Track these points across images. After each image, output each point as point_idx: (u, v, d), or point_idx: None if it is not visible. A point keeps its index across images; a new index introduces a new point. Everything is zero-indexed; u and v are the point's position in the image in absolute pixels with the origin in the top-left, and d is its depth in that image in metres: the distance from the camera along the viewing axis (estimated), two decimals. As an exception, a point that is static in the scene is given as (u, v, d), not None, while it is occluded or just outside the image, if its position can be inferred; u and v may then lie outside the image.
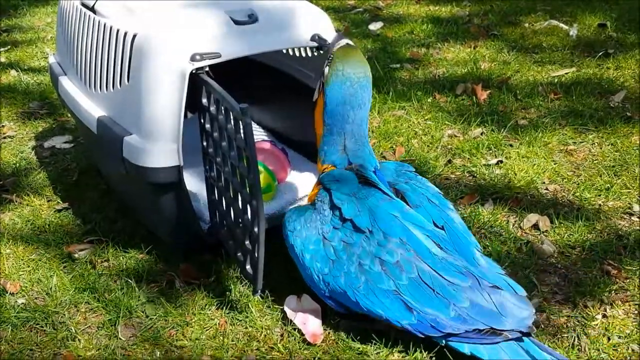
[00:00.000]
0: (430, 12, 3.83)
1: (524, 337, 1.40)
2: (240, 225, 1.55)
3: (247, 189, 1.48)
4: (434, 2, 4.00)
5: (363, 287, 1.45)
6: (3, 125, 2.68)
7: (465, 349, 1.40)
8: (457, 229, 1.52)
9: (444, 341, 1.42)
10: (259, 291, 1.55)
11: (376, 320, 1.47)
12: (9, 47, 3.66)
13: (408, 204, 1.53)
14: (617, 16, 3.44)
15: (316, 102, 1.60)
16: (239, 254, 1.59)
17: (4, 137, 2.58)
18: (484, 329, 1.38)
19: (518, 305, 1.40)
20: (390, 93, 2.71)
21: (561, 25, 3.39)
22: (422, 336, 1.43)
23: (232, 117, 1.46)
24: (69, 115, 2.57)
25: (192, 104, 1.61)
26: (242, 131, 1.42)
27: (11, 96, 2.95)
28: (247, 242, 1.53)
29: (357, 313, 1.50)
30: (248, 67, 2.02)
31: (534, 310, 1.41)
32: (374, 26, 3.66)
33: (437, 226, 1.51)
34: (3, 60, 3.47)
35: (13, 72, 3.25)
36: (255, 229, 1.47)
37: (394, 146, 2.34)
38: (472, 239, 1.54)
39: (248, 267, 1.56)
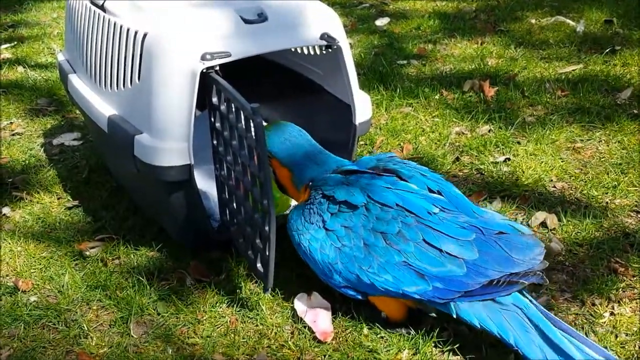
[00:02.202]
0: (437, 8, 3.83)
1: (529, 306, 1.38)
2: (251, 223, 1.56)
3: (258, 187, 1.49)
4: (440, -2, 4.00)
5: (373, 267, 1.44)
6: (11, 122, 2.69)
7: (475, 321, 1.40)
8: (453, 191, 1.53)
9: (454, 311, 1.41)
10: (270, 289, 1.56)
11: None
12: (15, 43, 3.67)
13: (401, 178, 1.53)
14: (623, 12, 3.44)
15: (276, 174, 1.67)
16: (249, 252, 1.60)
17: (13, 134, 2.59)
18: (499, 280, 1.36)
19: (526, 244, 1.39)
20: (398, 90, 2.72)
21: (568, 21, 3.39)
22: (442, 301, 1.40)
23: (242, 116, 1.47)
24: (78, 112, 2.58)
25: (200, 102, 1.62)
26: (253, 130, 1.43)
27: (18, 92, 2.97)
28: (257, 241, 1.54)
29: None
30: (256, 65, 2.02)
31: (544, 246, 1.40)
32: (381, 22, 3.66)
33: (432, 192, 1.52)
34: (9, 56, 3.48)
35: (20, 69, 3.26)
36: (266, 228, 1.48)
37: (402, 143, 2.34)
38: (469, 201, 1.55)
39: (259, 265, 1.57)
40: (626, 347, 1.47)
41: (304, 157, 1.64)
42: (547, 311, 1.41)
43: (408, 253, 1.41)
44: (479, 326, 1.40)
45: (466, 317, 1.41)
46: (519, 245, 1.40)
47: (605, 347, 1.47)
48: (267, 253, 1.50)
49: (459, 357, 1.45)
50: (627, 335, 1.50)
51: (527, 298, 1.41)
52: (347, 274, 1.48)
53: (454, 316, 1.43)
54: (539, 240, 1.42)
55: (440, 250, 1.40)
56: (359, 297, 1.52)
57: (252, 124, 1.42)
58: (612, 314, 1.57)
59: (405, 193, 1.47)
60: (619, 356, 1.45)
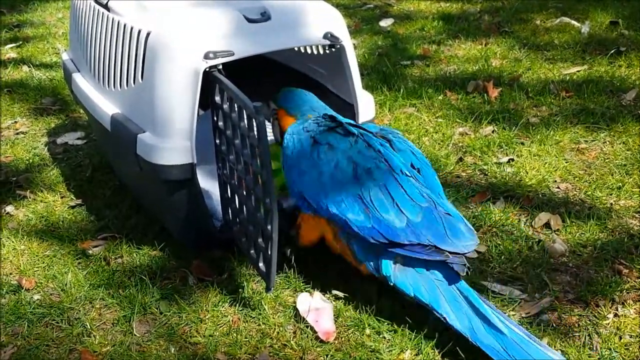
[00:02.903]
0: (441, 9, 3.83)
1: (462, 283, 1.47)
2: (254, 222, 1.56)
3: (260, 186, 1.48)
4: (445, -1, 4.00)
5: (335, 188, 1.54)
6: (16, 121, 2.70)
7: (410, 290, 1.49)
8: (431, 176, 1.61)
9: (392, 279, 1.50)
10: (272, 288, 1.56)
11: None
12: (21, 42, 3.68)
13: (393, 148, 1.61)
14: (629, 14, 3.43)
15: (281, 127, 1.76)
16: (252, 251, 1.60)
17: (17, 133, 2.60)
18: (427, 245, 1.46)
19: (465, 232, 1.49)
20: (401, 90, 2.72)
21: (573, 22, 3.39)
22: (373, 241, 1.50)
23: (245, 115, 1.47)
24: (82, 111, 2.59)
25: (202, 101, 1.62)
26: (255, 129, 1.42)
27: (23, 92, 2.97)
28: (260, 240, 1.54)
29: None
30: (259, 64, 2.02)
31: (478, 242, 1.49)
32: (385, 23, 3.66)
33: (414, 167, 1.60)
34: (15, 55, 3.49)
35: (25, 68, 3.27)
36: (269, 227, 1.48)
37: (405, 144, 2.34)
38: (441, 190, 1.62)
39: (261, 264, 1.57)
40: (630, 348, 1.47)
41: (309, 107, 1.74)
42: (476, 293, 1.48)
43: (367, 189, 1.51)
44: (412, 295, 1.48)
45: (401, 286, 1.50)
46: (458, 230, 1.49)
47: (610, 349, 1.46)
48: (270, 252, 1.50)
49: (460, 358, 1.45)
50: (631, 337, 1.50)
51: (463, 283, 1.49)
52: (312, 183, 1.56)
53: (390, 284, 1.51)
54: (476, 237, 1.50)
55: (393, 200, 1.49)
56: (299, 205, 1.60)
57: (254, 123, 1.42)
58: (616, 315, 1.56)
59: (391, 151, 1.58)
60: (623, 358, 1.45)
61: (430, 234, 1.47)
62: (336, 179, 1.54)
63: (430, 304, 1.46)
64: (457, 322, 1.42)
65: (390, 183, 1.52)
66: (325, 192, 1.54)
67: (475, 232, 1.51)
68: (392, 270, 1.51)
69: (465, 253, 1.47)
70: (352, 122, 1.67)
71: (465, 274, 1.45)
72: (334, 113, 1.72)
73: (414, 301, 1.49)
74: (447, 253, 1.46)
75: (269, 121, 1.86)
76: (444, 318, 1.44)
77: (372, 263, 1.54)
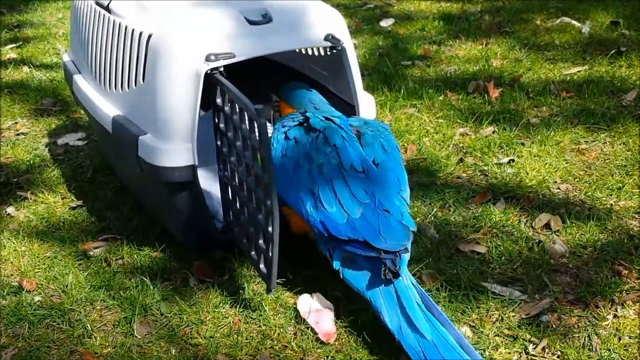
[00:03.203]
0: (441, 9, 3.83)
1: (401, 281, 1.49)
2: (255, 224, 1.56)
3: (262, 188, 1.49)
4: (445, -1, 4.00)
5: (293, 182, 1.60)
6: (16, 122, 2.70)
7: (354, 283, 1.53)
8: (395, 170, 1.65)
9: (341, 272, 1.55)
10: (273, 290, 1.57)
11: None
12: (21, 43, 3.68)
13: (360, 141, 1.66)
14: (629, 14, 3.43)
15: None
16: (252, 253, 1.60)
17: (18, 134, 2.60)
18: (362, 241, 1.51)
19: (399, 231, 1.52)
20: (402, 91, 2.72)
21: (573, 22, 3.39)
22: (319, 233, 1.57)
23: (246, 117, 1.47)
24: (82, 112, 2.59)
25: (203, 102, 1.62)
26: (257, 131, 1.43)
27: (24, 92, 2.98)
28: (261, 241, 1.55)
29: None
30: (259, 65, 2.03)
31: (409, 243, 1.52)
32: (385, 23, 3.66)
33: (375, 163, 1.63)
34: (15, 56, 3.49)
35: (25, 69, 3.27)
36: (270, 228, 1.48)
37: (406, 144, 2.34)
38: (403, 186, 1.64)
39: (262, 266, 1.57)
40: (629, 349, 1.47)
41: (307, 101, 1.81)
42: (423, 292, 1.51)
43: (316, 184, 1.58)
44: (356, 288, 1.53)
45: (348, 278, 1.55)
46: (391, 228, 1.52)
47: (609, 350, 1.47)
48: (271, 254, 1.51)
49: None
50: (630, 337, 1.50)
51: (408, 279, 1.52)
52: (281, 177, 1.60)
53: (340, 276, 1.56)
54: (411, 235, 1.53)
55: (336, 196, 1.56)
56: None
57: (255, 125, 1.43)
58: (615, 316, 1.56)
59: (349, 146, 1.62)
60: (622, 359, 1.45)
61: (364, 231, 1.51)
62: (297, 174, 1.61)
63: (370, 299, 1.50)
64: (388, 319, 1.46)
65: (337, 179, 1.58)
66: (289, 185, 1.61)
67: (411, 232, 1.53)
68: (341, 263, 1.55)
69: (395, 251, 1.49)
70: (336, 115, 1.71)
71: (395, 271, 1.47)
72: (331, 109, 1.74)
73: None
74: (380, 250, 1.49)
75: (270, 122, 1.87)
76: (379, 314, 1.48)
77: (327, 254, 1.59)
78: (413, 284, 1.51)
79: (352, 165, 1.59)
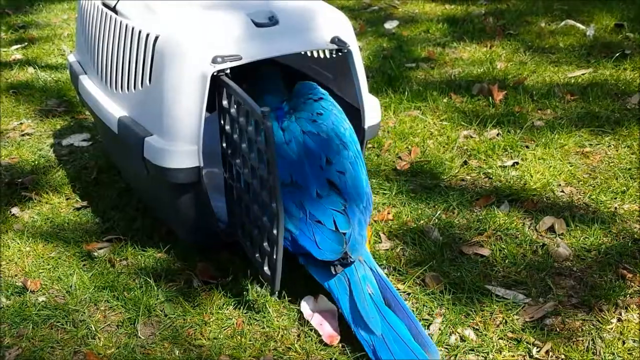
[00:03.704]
0: (445, 11, 3.83)
1: (354, 276, 1.55)
2: (259, 226, 1.57)
3: (267, 191, 1.49)
4: (450, 1, 4.00)
5: None
6: (21, 123, 2.71)
7: (318, 279, 1.59)
8: (311, 151, 1.63)
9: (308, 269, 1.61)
10: (277, 292, 1.57)
11: None
12: (26, 43, 3.69)
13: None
14: (634, 16, 3.43)
15: None
16: (256, 255, 1.61)
17: (23, 135, 2.61)
18: (307, 253, 1.57)
19: (332, 242, 1.56)
20: (406, 93, 2.72)
21: (578, 25, 3.39)
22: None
23: (252, 119, 1.47)
24: (87, 113, 2.60)
25: (207, 104, 1.63)
26: (263, 134, 1.43)
27: (29, 93, 2.98)
28: (265, 244, 1.55)
29: None
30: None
31: (345, 247, 1.54)
32: (390, 25, 3.66)
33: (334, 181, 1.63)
34: (20, 57, 3.50)
35: (30, 69, 3.28)
36: (274, 231, 1.48)
37: (410, 147, 2.35)
38: (330, 156, 1.64)
39: (266, 268, 1.57)
40: (633, 353, 1.47)
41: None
42: (380, 277, 1.57)
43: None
44: (321, 283, 1.59)
45: (313, 274, 1.60)
46: (326, 239, 1.56)
47: (613, 354, 1.47)
48: (275, 256, 1.51)
49: (465, 361, 1.45)
50: (634, 341, 1.50)
51: (366, 265, 1.58)
52: None
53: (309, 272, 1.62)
54: (343, 239, 1.55)
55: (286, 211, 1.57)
56: None
57: (262, 128, 1.43)
58: (619, 320, 1.56)
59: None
60: (626, 363, 1.45)
61: (306, 245, 1.57)
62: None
63: (331, 292, 1.56)
64: (345, 311, 1.53)
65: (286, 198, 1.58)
66: None
67: (343, 235, 1.56)
68: (304, 260, 1.61)
69: (333, 260, 1.54)
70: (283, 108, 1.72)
71: (345, 264, 1.55)
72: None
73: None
74: (323, 261, 1.55)
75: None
76: (339, 306, 1.54)
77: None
78: (373, 271, 1.57)
79: (281, 180, 1.56)
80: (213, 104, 1.62)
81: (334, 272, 1.55)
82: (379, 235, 1.88)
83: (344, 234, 1.56)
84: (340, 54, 1.73)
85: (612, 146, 2.29)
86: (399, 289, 1.67)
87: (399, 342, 1.44)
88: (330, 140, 1.65)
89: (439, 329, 1.54)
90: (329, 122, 1.68)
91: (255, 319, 1.60)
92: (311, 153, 1.64)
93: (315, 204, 1.60)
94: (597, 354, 1.47)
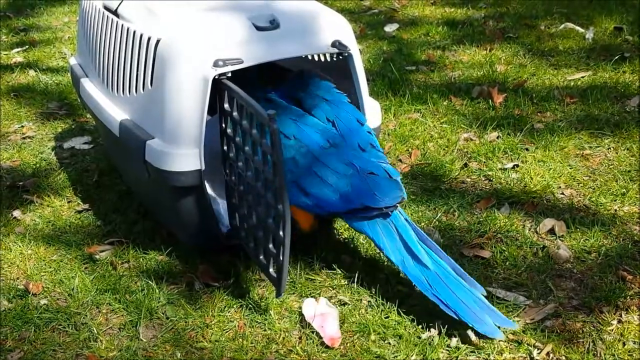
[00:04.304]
0: (445, 14, 3.84)
1: (400, 222, 1.65)
2: (264, 228, 1.57)
3: (272, 192, 1.49)
4: (450, 4, 4.01)
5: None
6: (22, 126, 2.71)
7: (359, 228, 1.68)
8: (347, 122, 1.72)
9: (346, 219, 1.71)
10: (282, 294, 1.57)
11: None
12: (27, 46, 3.70)
13: (304, 109, 1.73)
14: (633, 19, 3.44)
15: None
16: (261, 257, 1.61)
17: (24, 138, 2.61)
18: (361, 207, 1.64)
19: (389, 187, 1.65)
20: (406, 95, 2.73)
21: (577, 28, 3.39)
22: (320, 212, 1.69)
23: (257, 122, 1.48)
24: (88, 116, 2.60)
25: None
26: (269, 136, 1.43)
27: (30, 96, 2.99)
28: (270, 246, 1.55)
29: None
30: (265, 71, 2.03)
31: (404, 191, 1.67)
32: (390, 28, 3.67)
33: (329, 121, 1.71)
34: (21, 60, 3.51)
35: (31, 72, 3.28)
36: (281, 233, 1.48)
37: (410, 149, 2.35)
38: (363, 129, 1.73)
39: (271, 270, 1.58)
40: (634, 355, 1.48)
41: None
42: (415, 226, 1.66)
43: (298, 175, 1.66)
44: (361, 230, 1.68)
45: (355, 225, 1.69)
46: (383, 187, 1.65)
47: (613, 355, 1.47)
48: (282, 258, 1.51)
49: (466, 363, 1.46)
50: (634, 343, 1.51)
51: (402, 215, 1.67)
52: None
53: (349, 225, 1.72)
54: (401, 185, 1.67)
55: (321, 179, 1.66)
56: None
57: (267, 130, 1.43)
58: (620, 321, 1.57)
59: (305, 127, 1.69)
60: (626, 364, 1.46)
61: (361, 198, 1.64)
62: None
63: (373, 238, 1.65)
64: (392, 254, 1.62)
65: (314, 165, 1.66)
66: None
67: (399, 181, 1.68)
68: (351, 220, 1.69)
69: (394, 205, 1.64)
70: (273, 96, 1.76)
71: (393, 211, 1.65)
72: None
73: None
74: (380, 209, 1.64)
75: None
76: (382, 250, 1.64)
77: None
78: (408, 222, 1.66)
79: (319, 145, 1.66)
80: (214, 106, 1.62)
81: (383, 220, 1.64)
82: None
83: (397, 180, 1.67)
84: (340, 57, 1.73)
85: (612, 149, 2.29)
86: (399, 291, 1.68)
87: (449, 278, 1.55)
88: (352, 108, 1.77)
89: (440, 331, 1.54)
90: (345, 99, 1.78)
91: (257, 322, 1.61)
92: (343, 115, 1.73)
93: (363, 158, 1.68)
94: (598, 355, 1.48)
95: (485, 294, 1.57)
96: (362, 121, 1.75)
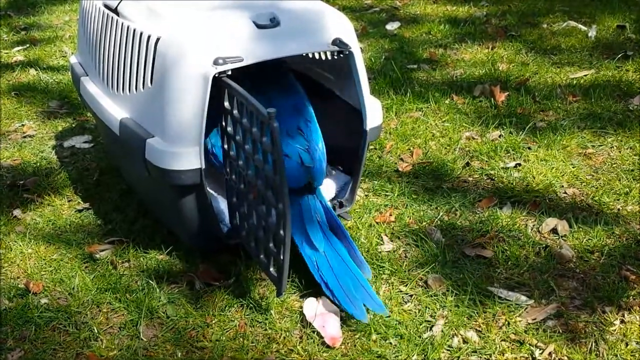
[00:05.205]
0: (447, 12, 3.83)
1: (309, 200, 1.73)
2: (264, 227, 1.56)
3: (272, 191, 1.49)
4: (452, 2, 4.00)
5: None
6: (23, 125, 2.71)
7: None
8: (280, 107, 1.71)
9: None
10: (283, 293, 1.57)
11: None
12: (28, 45, 3.69)
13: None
14: (636, 18, 3.42)
15: None
16: (261, 256, 1.60)
17: (24, 137, 2.61)
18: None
19: (298, 172, 1.71)
20: (408, 94, 2.72)
21: (580, 26, 3.38)
22: None
23: (257, 120, 1.47)
24: (89, 115, 2.60)
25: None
26: (269, 134, 1.43)
27: (30, 95, 2.98)
28: (271, 245, 1.55)
29: None
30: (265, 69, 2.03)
31: (314, 176, 1.72)
32: (391, 26, 3.66)
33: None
34: (22, 58, 3.50)
35: (32, 71, 3.28)
36: (281, 232, 1.48)
37: (412, 148, 2.34)
38: (300, 116, 1.79)
39: (272, 269, 1.57)
40: (636, 355, 1.47)
41: None
42: (329, 211, 1.74)
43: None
44: None
45: None
46: (290, 170, 1.64)
47: (616, 355, 1.46)
48: (282, 257, 1.51)
49: (468, 363, 1.45)
50: (637, 343, 1.50)
51: (317, 199, 1.74)
52: None
53: None
54: (315, 173, 1.72)
55: None
56: None
57: (267, 128, 1.43)
58: (622, 321, 1.56)
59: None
60: (629, 364, 1.45)
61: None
62: None
63: None
64: (294, 235, 1.67)
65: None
66: None
67: (310, 168, 1.73)
68: None
69: (298, 188, 1.72)
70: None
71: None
72: None
73: None
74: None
75: None
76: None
77: None
78: (322, 202, 1.73)
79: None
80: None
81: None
82: (381, 237, 1.87)
83: (308, 167, 1.72)
84: (341, 55, 1.73)
85: (615, 147, 2.28)
86: (401, 291, 1.67)
87: (337, 259, 1.64)
88: (300, 94, 1.85)
89: (442, 331, 1.53)
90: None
91: (258, 321, 1.60)
92: (283, 102, 1.79)
93: (286, 141, 1.74)
94: (600, 356, 1.47)
95: (370, 277, 1.68)
96: (301, 108, 1.80)
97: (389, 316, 1.58)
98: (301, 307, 1.61)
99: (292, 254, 1.60)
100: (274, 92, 1.80)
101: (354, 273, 1.63)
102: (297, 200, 1.71)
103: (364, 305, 1.57)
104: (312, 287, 1.68)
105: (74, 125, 2.69)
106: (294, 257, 1.70)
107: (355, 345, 1.52)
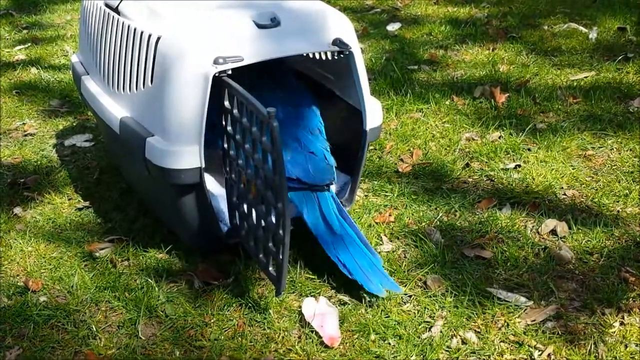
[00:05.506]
0: (448, 13, 3.83)
1: (322, 195, 1.78)
2: (264, 227, 1.56)
3: (272, 191, 1.49)
4: (453, 3, 4.00)
5: None
6: (24, 123, 2.71)
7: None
8: (303, 106, 1.88)
9: None
10: (282, 292, 1.57)
11: None
12: (29, 44, 3.70)
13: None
14: (637, 20, 3.42)
15: None
16: (260, 256, 1.60)
17: (25, 135, 2.61)
18: (295, 178, 1.75)
19: (323, 169, 1.79)
20: (408, 95, 2.72)
21: (580, 28, 3.38)
22: None
23: (257, 119, 1.47)
24: (90, 114, 2.60)
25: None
26: (269, 134, 1.43)
27: (32, 94, 2.99)
28: (270, 244, 1.55)
29: None
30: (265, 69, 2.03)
31: (334, 175, 1.81)
32: (392, 27, 3.66)
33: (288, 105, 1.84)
34: (23, 57, 3.50)
35: (33, 70, 3.28)
36: (280, 231, 1.48)
37: (412, 149, 2.34)
38: (317, 117, 1.87)
39: (271, 268, 1.57)
40: (636, 357, 1.47)
41: None
42: (338, 201, 1.81)
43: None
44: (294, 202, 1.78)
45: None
46: (318, 168, 1.79)
47: (615, 357, 1.46)
48: (281, 256, 1.51)
49: (466, 364, 1.45)
50: (636, 345, 1.50)
51: (331, 195, 1.81)
52: None
53: None
54: (334, 171, 1.81)
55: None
56: None
57: (267, 128, 1.43)
58: (622, 323, 1.56)
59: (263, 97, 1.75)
60: (628, 366, 1.45)
61: (296, 171, 1.76)
62: None
63: (293, 200, 1.75)
64: (308, 217, 1.74)
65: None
66: None
67: (333, 167, 1.81)
68: None
69: (323, 184, 1.78)
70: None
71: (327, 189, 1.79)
72: None
73: None
74: (311, 185, 1.77)
75: None
76: (301, 214, 1.75)
77: None
78: (334, 198, 1.80)
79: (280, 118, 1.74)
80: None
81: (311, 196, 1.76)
82: (381, 237, 1.87)
83: (332, 167, 1.80)
84: (342, 55, 1.73)
85: (615, 149, 2.28)
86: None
87: (353, 243, 1.70)
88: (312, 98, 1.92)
89: (440, 332, 1.54)
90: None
91: (256, 320, 1.60)
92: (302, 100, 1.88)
93: (310, 139, 1.81)
94: (600, 357, 1.47)
95: (383, 264, 1.72)
96: (316, 111, 1.88)
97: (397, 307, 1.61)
98: (300, 307, 1.61)
99: (291, 254, 1.60)
100: (282, 93, 1.84)
101: (369, 256, 1.68)
102: (315, 194, 1.78)
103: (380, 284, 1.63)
104: (310, 287, 1.68)
105: (74, 124, 2.69)
106: (294, 257, 1.71)
107: (353, 345, 1.52)
